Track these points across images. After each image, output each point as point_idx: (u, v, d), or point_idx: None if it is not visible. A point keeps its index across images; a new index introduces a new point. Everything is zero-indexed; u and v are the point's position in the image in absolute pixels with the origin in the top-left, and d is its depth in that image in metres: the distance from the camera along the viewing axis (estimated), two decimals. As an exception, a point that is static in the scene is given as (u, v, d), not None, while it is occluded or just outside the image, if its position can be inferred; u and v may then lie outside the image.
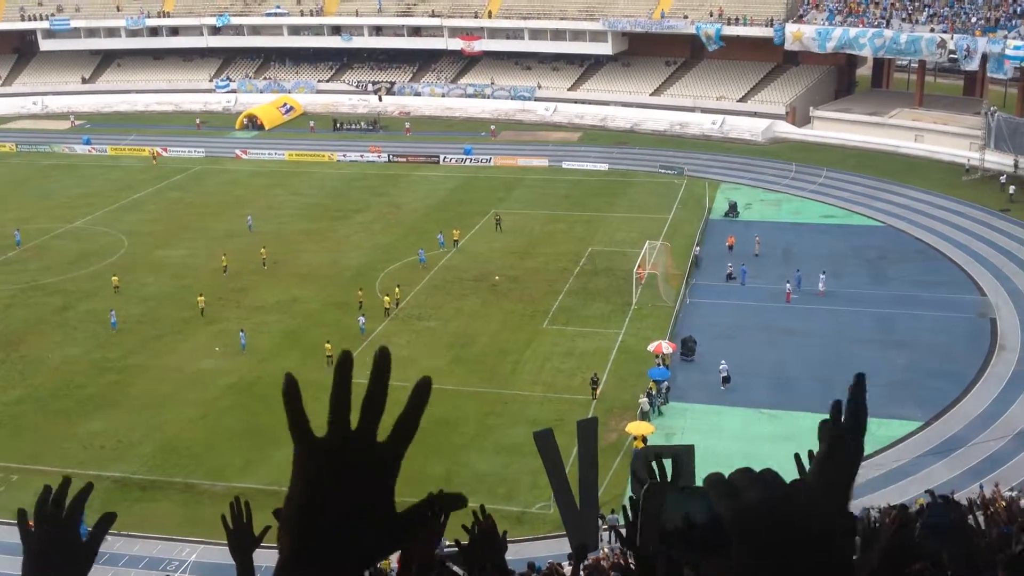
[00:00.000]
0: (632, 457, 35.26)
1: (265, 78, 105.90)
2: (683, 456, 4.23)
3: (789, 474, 2.90)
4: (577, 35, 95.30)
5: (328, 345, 45.56)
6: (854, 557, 1.79)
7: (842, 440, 1.92)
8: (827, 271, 53.19)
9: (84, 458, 37.92)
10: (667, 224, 63.09)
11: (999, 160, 69.41)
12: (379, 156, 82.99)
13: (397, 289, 52.52)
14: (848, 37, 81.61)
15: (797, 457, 2.67)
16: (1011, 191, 65.54)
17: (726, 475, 1.78)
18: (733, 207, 65.41)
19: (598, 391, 41.62)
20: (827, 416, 1.94)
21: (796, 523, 1.67)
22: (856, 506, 28.92)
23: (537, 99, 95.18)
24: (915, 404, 40.15)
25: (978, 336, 46.66)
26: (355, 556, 1.62)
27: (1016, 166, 68.12)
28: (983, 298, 50.85)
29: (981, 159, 70.09)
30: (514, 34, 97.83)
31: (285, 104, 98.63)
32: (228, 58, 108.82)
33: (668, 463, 2.59)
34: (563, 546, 26.65)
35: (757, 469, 1.76)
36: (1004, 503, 23.80)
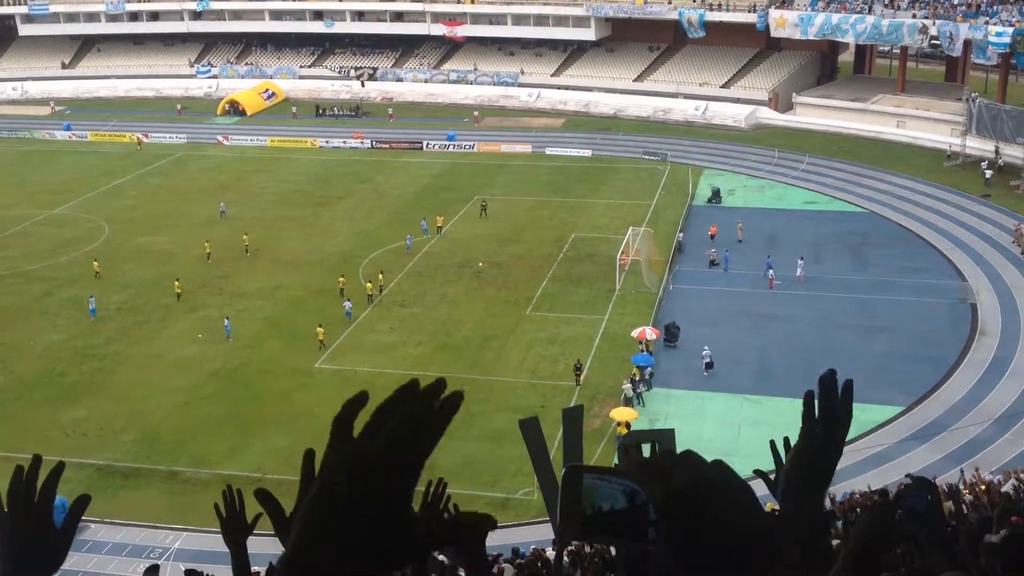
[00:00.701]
0: (617, 445, 35.39)
1: (247, 63, 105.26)
2: (664, 440, 4.25)
3: (766, 460, 2.92)
4: (560, 20, 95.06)
5: (320, 330, 46.06)
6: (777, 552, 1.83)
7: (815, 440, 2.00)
8: (810, 257, 53.43)
9: (67, 446, 37.70)
10: (650, 210, 63.16)
11: (980, 146, 69.75)
12: (362, 142, 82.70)
13: (380, 276, 52.45)
14: (831, 23, 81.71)
15: (772, 444, 2.69)
16: (987, 175, 66.03)
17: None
18: (716, 193, 65.50)
19: (582, 377, 41.72)
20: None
21: (722, 505, 1.70)
22: (838, 490, 29.12)
23: (520, 85, 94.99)
24: (896, 389, 40.40)
25: (959, 321, 46.95)
26: (365, 560, 1.59)
27: (997, 152, 68.45)
28: (964, 283, 51.14)
29: (963, 145, 70.40)
30: (497, 19, 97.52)
31: (267, 90, 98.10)
32: (209, 43, 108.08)
33: (649, 448, 2.60)
34: (547, 532, 26.75)
35: (711, 455, 1.79)
36: (983, 487, 24.03)
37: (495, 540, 27.84)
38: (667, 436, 4.30)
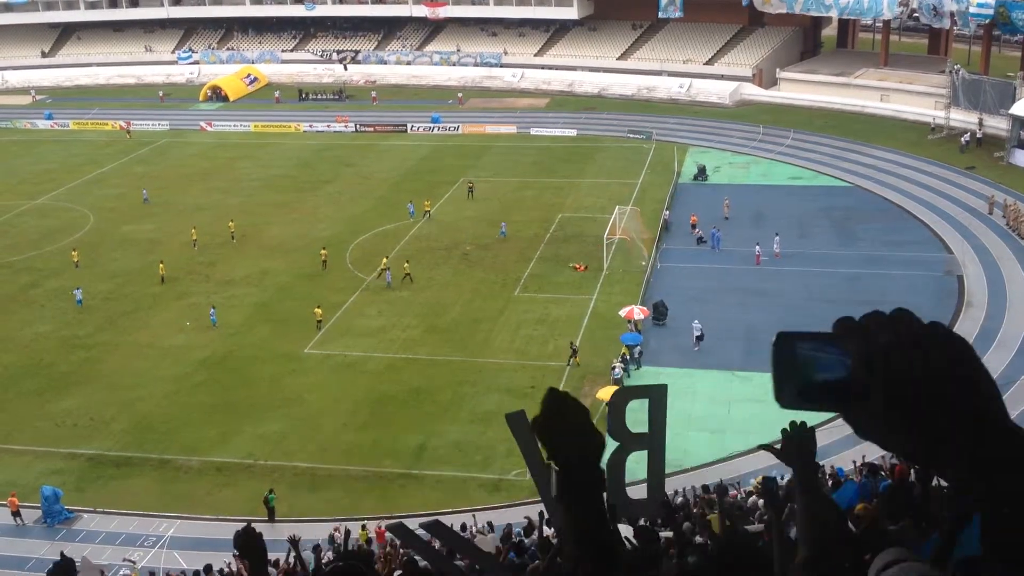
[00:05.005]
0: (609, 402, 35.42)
1: (228, 48, 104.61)
2: (656, 395, 4.30)
3: (765, 435, 2.95)
4: None
5: (318, 310, 46.37)
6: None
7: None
8: (796, 232, 53.57)
9: (57, 436, 37.70)
10: (636, 189, 63.15)
11: (964, 118, 69.85)
12: (346, 126, 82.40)
13: (385, 260, 51.86)
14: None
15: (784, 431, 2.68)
16: (964, 140, 66.49)
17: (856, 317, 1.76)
18: (702, 171, 65.51)
19: (576, 359, 41.47)
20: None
21: (929, 366, 1.63)
22: (825, 465, 29.17)
23: (504, 66, 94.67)
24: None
25: (945, 294, 47.12)
26: None
27: (980, 123, 68.58)
28: (950, 256, 51.31)
29: (946, 117, 70.50)
30: None
31: (249, 75, 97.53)
32: (190, 29, 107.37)
33: (642, 404, 2.61)
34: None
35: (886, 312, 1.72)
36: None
37: (488, 519, 27.93)
38: (659, 392, 4.38)
